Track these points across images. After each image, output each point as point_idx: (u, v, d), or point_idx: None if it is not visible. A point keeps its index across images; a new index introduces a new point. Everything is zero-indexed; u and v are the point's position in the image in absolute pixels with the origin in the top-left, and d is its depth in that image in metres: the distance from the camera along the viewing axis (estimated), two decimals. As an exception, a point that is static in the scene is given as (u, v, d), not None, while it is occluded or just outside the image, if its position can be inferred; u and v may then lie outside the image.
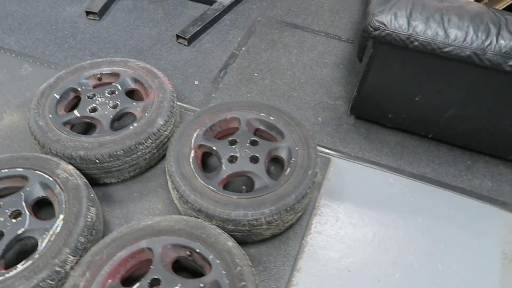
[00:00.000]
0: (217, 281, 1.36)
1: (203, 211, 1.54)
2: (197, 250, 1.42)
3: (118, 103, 1.87)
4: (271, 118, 1.84)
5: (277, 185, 1.61)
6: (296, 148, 1.74)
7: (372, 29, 1.56)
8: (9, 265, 1.42)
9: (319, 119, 2.18)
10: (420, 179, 1.95)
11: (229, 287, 1.34)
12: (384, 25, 1.54)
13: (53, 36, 2.58)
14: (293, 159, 1.70)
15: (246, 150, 1.71)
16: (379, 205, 1.85)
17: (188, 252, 1.45)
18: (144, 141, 1.74)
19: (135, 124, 1.78)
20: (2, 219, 1.47)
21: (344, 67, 2.45)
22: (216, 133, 1.84)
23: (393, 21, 1.53)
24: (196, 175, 1.63)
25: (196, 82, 2.34)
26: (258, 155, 1.70)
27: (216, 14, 2.70)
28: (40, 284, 1.34)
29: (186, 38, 2.52)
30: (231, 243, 1.45)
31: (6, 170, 1.61)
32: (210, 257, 1.41)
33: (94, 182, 1.80)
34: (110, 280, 1.37)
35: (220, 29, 2.69)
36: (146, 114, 1.82)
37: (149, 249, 1.43)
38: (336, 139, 2.09)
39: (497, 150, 1.95)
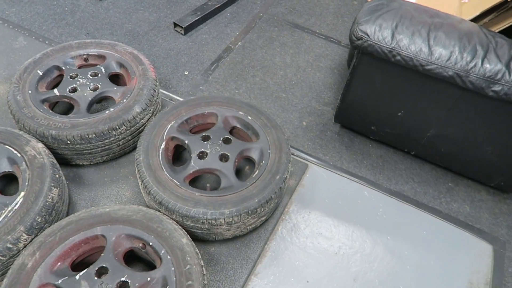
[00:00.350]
0: (165, 277, 1.35)
1: (163, 204, 1.52)
2: (150, 243, 1.41)
3: (99, 86, 1.86)
4: (249, 117, 1.82)
5: (242, 187, 1.58)
6: (269, 151, 1.71)
7: (355, 38, 1.51)
8: (-35, 236, 1.43)
9: (304, 123, 2.15)
10: (397, 196, 1.91)
11: (175, 285, 1.33)
12: (367, 35, 1.49)
13: (52, 11, 2.58)
14: (263, 161, 1.68)
15: (217, 148, 1.69)
16: (350, 218, 1.82)
17: (141, 244, 1.44)
18: (118, 127, 1.73)
19: (111, 109, 1.77)
20: (-37, 189, 1.49)
21: (338, 73, 2.40)
22: (191, 127, 1.82)
23: (377, 32, 1.48)
24: (163, 167, 1.61)
25: (186, 73, 2.32)
26: (228, 154, 1.67)
27: (218, 5, 2.66)
28: (34, 222, 1.36)
29: (183, 27, 2.49)
30: (185, 240, 1.43)
31: (-24, 141, 1.62)
32: (162, 252, 1.40)
33: (66, 162, 1.81)
34: (59, 263, 1.37)
35: (220, 21, 2.65)
36: (125, 100, 1.81)
37: (103, 236, 1.43)
38: (317, 146, 2.05)
39: (479, 175, 1.89)
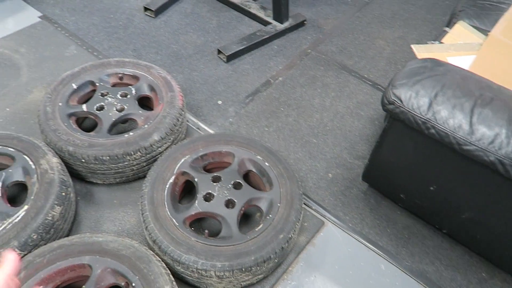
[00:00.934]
0: (139, 324, 1.28)
1: (157, 243, 1.46)
2: (133, 284, 1.35)
3: (125, 107, 1.87)
4: (266, 163, 1.72)
5: (241, 240, 1.48)
6: (278, 204, 1.59)
7: (387, 102, 1.37)
8: (-35, 240, 1.46)
9: (329, 175, 2.00)
10: (418, 276, 1.69)
11: (146, 335, 1.25)
12: (401, 101, 1.34)
13: (107, 24, 2.68)
14: (270, 215, 1.56)
15: (226, 192, 1.60)
16: (358, 291, 1.64)
17: (124, 283, 1.39)
18: (133, 153, 1.71)
19: (131, 133, 1.76)
20: (-26, 193, 1.53)
21: (379, 125, 2.23)
22: (206, 164, 1.76)
23: (412, 99, 1.32)
24: (166, 203, 1.56)
25: (220, 102, 2.27)
26: (235, 201, 1.58)
27: (266, 37, 2.61)
28: (33, 235, 1.38)
29: (226, 54, 2.46)
30: (169, 287, 1.35)
31: (0, 147, 1.68)
32: (142, 296, 1.33)
33: (81, 178, 1.82)
34: (41, 287, 1.35)
35: (265, 52, 2.60)
36: (146, 126, 1.79)
37: (90, 266, 1.39)
38: (339, 202, 1.90)
39: (520, 272, 1.63)
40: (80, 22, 2.66)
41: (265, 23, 2.74)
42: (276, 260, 1.51)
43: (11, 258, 0.73)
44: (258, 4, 2.84)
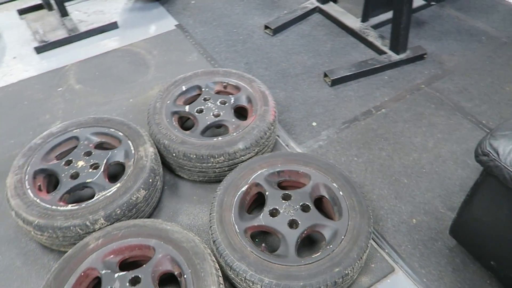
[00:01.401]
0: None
1: (216, 244, 1.53)
2: (185, 276, 1.43)
3: (221, 114, 2.00)
4: (341, 193, 1.66)
5: (295, 262, 1.45)
6: (343, 237, 1.52)
7: (480, 152, 1.21)
8: (69, 202, 1.74)
9: (414, 220, 1.83)
10: None
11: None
12: (497, 153, 1.17)
13: (229, 37, 2.91)
14: (331, 246, 1.50)
15: (292, 212, 1.59)
16: None
17: (178, 272, 1.48)
18: (216, 156, 1.82)
19: (219, 138, 1.87)
20: (84, 164, 1.80)
21: (487, 178, 1.96)
22: (281, 180, 1.77)
23: (511, 154, 1.15)
24: (233, 208, 1.62)
25: (314, 124, 2.27)
26: (299, 222, 1.56)
27: (377, 66, 2.53)
28: (71, 227, 1.59)
29: (331, 78, 2.45)
30: (215, 289, 1.40)
31: (113, 130, 1.95)
32: (190, 289, 1.40)
33: (171, 170, 2.01)
34: (111, 256, 1.52)
35: (373, 82, 2.51)
36: (234, 134, 1.89)
37: (154, 249, 1.52)
38: (417, 252, 1.72)
39: None
40: (206, 33, 2.95)
41: (380, 52, 2.66)
42: (327, 294, 1.44)
43: None
44: (377, 33, 2.77)
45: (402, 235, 1.78)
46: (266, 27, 2.92)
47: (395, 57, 2.58)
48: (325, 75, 2.51)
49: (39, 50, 2.86)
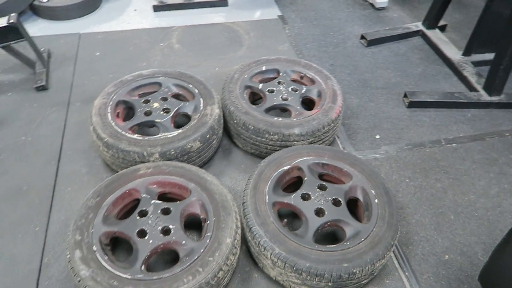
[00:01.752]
0: (193, 248, 1.49)
1: (244, 206, 1.64)
2: (208, 222, 1.57)
3: (289, 98, 2.10)
4: (376, 200, 1.66)
5: (308, 245, 1.50)
6: (362, 239, 1.53)
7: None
8: (136, 133, 1.97)
9: (446, 256, 1.75)
10: None
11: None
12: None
13: (323, 37, 2.99)
14: (349, 242, 1.52)
15: (322, 202, 1.64)
16: None
17: (203, 217, 1.62)
18: (272, 134, 1.92)
19: (279, 119, 1.97)
20: (158, 106, 2.03)
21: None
22: (323, 173, 1.82)
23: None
24: (270, 181, 1.71)
25: (377, 137, 2.27)
26: (326, 213, 1.60)
27: (463, 101, 2.43)
28: (131, 152, 1.82)
29: (410, 99, 2.42)
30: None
31: (191, 86, 2.15)
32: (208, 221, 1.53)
33: (230, 136, 2.17)
34: (155, 185, 1.70)
35: (453, 115, 2.41)
36: (294, 119, 1.98)
37: (190, 191, 1.67)
38: (438, 287, 1.65)
39: None
40: (303, 29, 3.06)
41: (472, 89, 2.54)
42: (329, 283, 1.47)
43: None
44: (475, 69, 2.65)
45: (429, 265, 1.72)
46: (362, 37, 2.95)
47: (486, 97, 2.45)
48: (405, 95, 2.48)
49: (156, 8, 3.22)
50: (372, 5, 3.39)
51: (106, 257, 1.48)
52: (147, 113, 2.01)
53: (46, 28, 3.00)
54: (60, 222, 1.81)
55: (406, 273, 1.69)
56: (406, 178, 2.06)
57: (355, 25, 3.16)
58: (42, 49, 2.64)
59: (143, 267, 1.47)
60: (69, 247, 1.49)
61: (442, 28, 3.09)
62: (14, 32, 2.32)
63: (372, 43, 2.92)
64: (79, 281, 1.42)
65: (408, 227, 1.85)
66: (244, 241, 1.69)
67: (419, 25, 3.05)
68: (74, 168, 2.03)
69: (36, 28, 2.99)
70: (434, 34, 2.98)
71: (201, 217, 1.64)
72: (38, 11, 3.10)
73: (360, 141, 2.24)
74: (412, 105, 2.44)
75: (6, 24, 2.26)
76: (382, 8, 3.37)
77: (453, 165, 2.12)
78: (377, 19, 3.25)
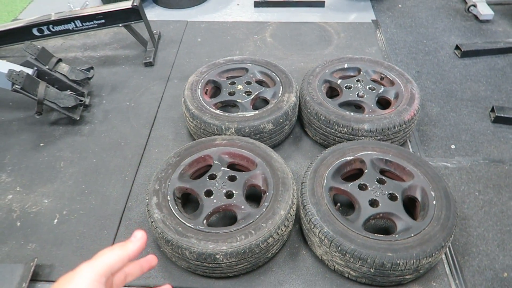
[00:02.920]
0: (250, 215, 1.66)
1: (303, 186, 1.76)
2: (267, 194, 1.72)
3: (365, 96, 2.17)
4: (434, 202, 1.66)
5: (356, 230, 1.57)
6: (412, 235, 1.55)
7: None
8: (219, 109, 2.20)
9: (505, 274, 1.68)
10: None
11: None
12: None
13: (415, 45, 2.96)
14: (397, 236, 1.56)
15: (379, 194, 1.69)
16: None
17: (263, 188, 1.78)
18: (342, 125, 2.01)
19: (351, 113, 2.05)
20: (242, 88, 2.24)
21: None
22: (384, 168, 1.85)
23: None
24: (331, 167, 1.81)
25: (453, 146, 2.22)
26: (380, 205, 1.66)
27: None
28: (212, 125, 2.04)
29: (497, 114, 2.31)
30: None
31: (274, 74, 2.33)
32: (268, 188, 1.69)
33: (303, 125, 2.30)
34: (226, 155, 1.91)
35: (545, 137, 2.25)
36: (366, 116, 2.04)
37: (256, 165, 1.85)
38: (488, 301, 1.60)
39: None
40: (396, 35, 3.06)
41: None
42: (371, 269, 1.52)
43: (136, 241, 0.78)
44: None
45: (483, 279, 1.67)
46: (457, 47, 2.85)
47: None
48: (492, 110, 2.37)
49: (257, 4, 3.47)
50: (475, 16, 3.24)
51: (176, 207, 1.72)
52: (231, 93, 2.23)
53: (161, 14, 3.43)
54: (145, 176, 2.11)
55: (457, 281, 1.66)
56: (476, 191, 1.99)
57: (452, 35, 3.06)
58: (154, 32, 3.03)
59: (205, 221, 1.68)
60: (149, 194, 1.76)
61: (553, 47, 2.85)
62: (135, 14, 2.72)
63: (467, 54, 2.81)
64: (152, 222, 1.68)
65: (468, 238, 1.80)
66: (298, 219, 1.81)
67: (524, 41, 2.86)
68: (163, 133, 2.33)
69: (153, 13, 3.43)
70: (541, 52, 2.77)
71: (262, 188, 1.80)
72: (156, 0, 3.55)
73: (433, 148, 2.21)
74: (498, 120, 2.32)
75: (130, 6, 2.66)
76: (487, 21, 3.20)
77: (532, 186, 2.00)
78: (478, 32, 3.10)
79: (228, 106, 2.34)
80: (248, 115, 2.08)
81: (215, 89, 2.37)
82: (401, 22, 3.23)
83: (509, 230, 1.83)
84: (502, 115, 2.30)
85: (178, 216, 1.68)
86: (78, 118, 2.38)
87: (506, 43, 2.86)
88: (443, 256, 1.73)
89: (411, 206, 1.78)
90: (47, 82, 2.33)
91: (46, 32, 2.72)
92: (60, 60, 2.47)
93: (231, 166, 1.92)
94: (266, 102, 2.24)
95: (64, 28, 2.73)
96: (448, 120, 2.37)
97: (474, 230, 1.84)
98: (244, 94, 2.21)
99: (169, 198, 1.74)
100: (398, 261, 1.49)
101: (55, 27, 2.71)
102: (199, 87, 2.26)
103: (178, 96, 2.56)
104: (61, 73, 2.42)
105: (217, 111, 2.11)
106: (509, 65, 2.76)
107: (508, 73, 2.69)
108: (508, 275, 1.68)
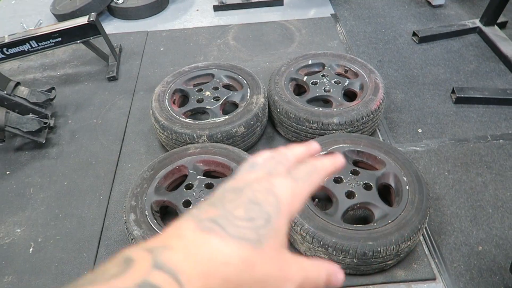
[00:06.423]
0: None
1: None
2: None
3: (332, 90, 2.21)
4: (407, 187, 1.72)
5: (335, 223, 1.60)
6: (389, 221, 1.60)
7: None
8: (189, 117, 2.19)
9: (480, 247, 1.76)
10: None
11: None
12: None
13: (374, 34, 3.04)
14: (375, 224, 1.60)
15: (354, 185, 1.73)
16: None
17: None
18: (311, 122, 2.04)
19: (320, 109, 2.09)
20: (210, 94, 2.23)
21: None
22: (357, 160, 1.90)
23: None
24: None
25: (420, 130, 2.29)
26: (356, 196, 1.69)
27: (515, 98, 2.36)
28: (183, 134, 2.03)
29: (457, 95, 2.40)
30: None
31: (240, 77, 2.34)
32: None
33: (273, 123, 2.31)
34: (201, 163, 1.91)
35: (504, 112, 2.36)
36: (334, 109, 2.08)
37: (232, 170, 1.85)
38: (467, 275, 1.66)
39: None
40: (355, 27, 3.13)
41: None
42: (354, 259, 1.56)
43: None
44: (534, 67, 2.55)
45: (460, 255, 1.74)
46: (414, 34, 2.95)
47: (542, 94, 2.36)
48: (453, 91, 2.46)
49: (216, 8, 3.46)
50: (428, 2, 3.36)
51: (156, 222, 1.70)
52: (199, 101, 2.22)
53: (119, 27, 3.37)
54: (120, 193, 2.07)
55: (436, 260, 1.72)
56: (445, 171, 2.07)
57: (409, 22, 3.16)
58: (115, 45, 2.98)
59: (186, 232, 1.66)
60: (126, 211, 1.73)
61: (503, 25, 2.98)
62: (93, 29, 2.66)
63: (424, 40, 2.90)
64: (132, 239, 1.65)
65: (442, 217, 1.87)
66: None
67: (476, 22, 2.98)
68: (134, 147, 2.30)
69: (111, 26, 3.36)
70: (492, 31, 2.89)
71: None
72: (113, 12, 3.49)
73: (401, 134, 2.28)
74: (459, 101, 2.41)
75: (87, 22, 2.61)
76: (439, 6, 3.32)
77: (497, 161, 2.09)
78: (433, 17, 3.21)
79: (197, 113, 2.32)
80: (218, 120, 2.08)
81: (183, 97, 2.35)
82: (359, 13, 3.30)
83: (479, 205, 1.91)
84: (462, 95, 2.40)
85: (158, 231, 1.66)
86: (44, 141, 2.31)
87: (459, 25, 2.97)
88: (421, 237, 1.79)
89: (386, 193, 1.82)
90: (6, 107, 2.25)
91: (0, 55, 2.62)
92: (18, 83, 2.39)
93: (207, 174, 1.91)
94: (235, 106, 2.24)
95: (20, 50, 2.64)
96: (413, 105, 2.45)
97: (447, 209, 1.90)
98: (212, 100, 2.21)
99: (147, 213, 1.72)
100: (379, 249, 1.53)
101: (9, 50, 2.62)
102: (167, 97, 2.24)
103: (146, 108, 2.52)
104: (21, 97, 2.34)
105: (187, 120, 2.10)
106: (464, 47, 2.87)
107: (465, 55, 2.80)
108: (483, 248, 1.75)
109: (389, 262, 1.62)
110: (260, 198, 0.43)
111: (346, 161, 1.84)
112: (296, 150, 0.52)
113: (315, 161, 0.51)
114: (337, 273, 0.47)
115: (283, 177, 0.46)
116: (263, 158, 0.49)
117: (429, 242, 1.78)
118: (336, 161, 0.53)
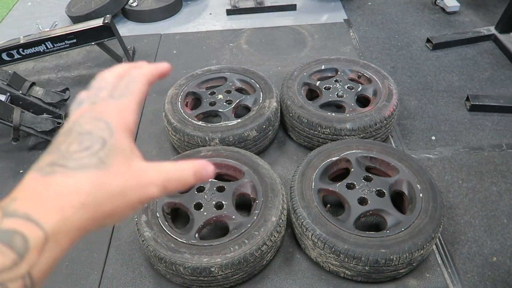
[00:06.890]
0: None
1: (291, 190, 1.77)
2: (257, 201, 1.72)
3: (345, 95, 2.20)
4: (421, 195, 1.69)
5: (348, 229, 1.59)
6: (402, 229, 1.58)
7: None
8: (201, 120, 2.20)
9: (494, 258, 1.73)
10: None
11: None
12: None
13: (387, 40, 3.02)
14: (388, 231, 1.58)
15: (366, 191, 1.72)
16: None
17: (253, 197, 1.78)
18: (324, 127, 2.03)
19: (333, 114, 2.07)
20: (222, 98, 2.23)
21: None
22: (370, 166, 1.88)
23: None
24: (317, 170, 1.82)
25: (433, 138, 2.26)
26: (369, 202, 1.68)
27: (531, 106, 2.32)
28: (195, 137, 2.03)
29: (472, 103, 2.37)
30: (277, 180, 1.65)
31: (253, 81, 2.34)
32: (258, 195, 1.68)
33: (286, 129, 2.31)
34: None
35: (519, 121, 2.32)
36: (348, 115, 2.07)
37: (243, 173, 1.85)
38: (481, 286, 1.64)
39: None
40: (368, 32, 3.12)
41: (544, 95, 2.42)
42: (365, 267, 1.54)
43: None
44: (550, 75, 2.51)
45: (474, 265, 1.71)
46: (428, 40, 2.92)
47: (558, 104, 2.32)
48: (467, 99, 2.43)
49: (229, 12, 3.48)
50: (443, 9, 3.33)
51: (167, 223, 1.71)
52: (212, 104, 2.22)
53: (133, 29, 3.40)
54: (132, 194, 2.08)
55: (449, 270, 1.70)
56: (459, 180, 2.04)
57: (423, 29, 3.14)
58: (128, 47, 3.00)
59: (197, 235, 1.66)
60: (137, 212, 1.74)
61: (518, 33, 2.95)
62: (107, 31, 2.69)
63: (438, 46, 2.88)
64: (143, 241, 1.65)
65: (456, 226, 1.84)
66: (290, 224, 1.81)
67: (491, 29, 2.95)
68: (146, 149, 2.31)
69: (125, 28, 3.39)
70: (508, 39, 2.86)
71: (251, 196, 1.80)
72: (127, 14, 3.52)
73: (415, 141, 2.25)
74: (474, 108, 2.38)
75: (101, 24, 2.63)
76: (454, 13, 3.29)
77: (513, 174, 2.06)
78: (447, 24, 3.19)
79: (210, 116, 2.33)
80: (231, 124, 2.08)
81: (196, 100, 2.36)
82: (372, 19, 3.29)
83: (494, 215, 1.88)
84: (477, 103, 2.37)
85: (169, 232, 1.66)
86: (57, 141, 2.33)
87: (474, 32, 2.94)
88: (434, 247, 1.76)
89: (399, 200, 1.80)
90: (21, 107, 2.27)
91: (16, 56, 2.66)
92: (33, 83, 2.42)
93: (219, 177, 1.91)
94: (247, 109, 2.24)
95: (35, 51, 2.67)
96: (427, 112, 2.43)
97: (461, 218, 1.88)
98: (225, 103, 2.21)
99: (158, 215, 1.72)
100: (392, 257, 1.51)
101: (25, 51, 2.65)
102: (179, 100, 2.24)
103: (158, 110, 2.53)
104: (35, 97, 2.37)
105: (200, 123, 2.10)
106: (479, 54, 2.84)
107: (479, 62, 2.77)
108: (497, 259, 1.72)
109: (401, 271, 1.60)
110: (90, 128, 0.44)
111: (358, 167, 1.83)
112: (117, 69, 0.52)
113: (133, 70, 0.51)
114: (205, 166, 0.48)
115: (105, 100, 0.47)
116: (86, 91, 0.50)
117: (442, 251, 1.76)
118: (158, 65, 0.55)
